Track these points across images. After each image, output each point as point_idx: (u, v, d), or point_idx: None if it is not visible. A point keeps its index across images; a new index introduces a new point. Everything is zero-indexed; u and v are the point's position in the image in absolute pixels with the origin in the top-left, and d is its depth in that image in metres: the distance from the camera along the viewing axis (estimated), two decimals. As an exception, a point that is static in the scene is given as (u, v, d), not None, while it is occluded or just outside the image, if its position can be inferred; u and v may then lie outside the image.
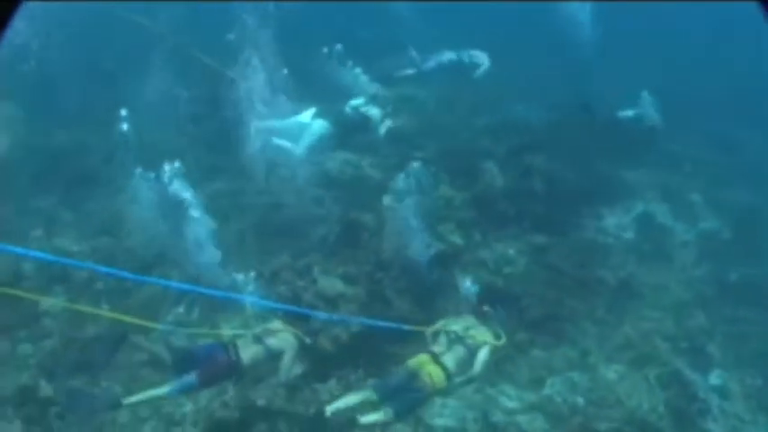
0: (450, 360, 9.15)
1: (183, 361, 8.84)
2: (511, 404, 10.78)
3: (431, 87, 17.92)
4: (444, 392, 9.47)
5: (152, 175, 11.27)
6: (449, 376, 9.08)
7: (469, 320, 9.68)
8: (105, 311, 9.29)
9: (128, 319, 8.74)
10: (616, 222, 14.81)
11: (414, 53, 16.53)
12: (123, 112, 11.37)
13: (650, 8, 23.14)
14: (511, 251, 13.31)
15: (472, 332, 9.42)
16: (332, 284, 11.35)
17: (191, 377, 8.63)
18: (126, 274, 9.58)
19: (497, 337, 9.50)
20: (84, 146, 15.10)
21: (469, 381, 9.45)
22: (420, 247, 12.03)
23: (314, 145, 12.70)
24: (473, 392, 10.73)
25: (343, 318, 10.65)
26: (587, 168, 15.82)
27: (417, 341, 10.81)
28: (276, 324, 9.47)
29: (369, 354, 10.83)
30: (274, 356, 9.19)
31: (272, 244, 12.97)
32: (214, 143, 15.22)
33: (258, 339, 9.19)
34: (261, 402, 9.61)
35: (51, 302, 11.14)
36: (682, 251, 14.39)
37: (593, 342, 12.08)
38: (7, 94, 15.61)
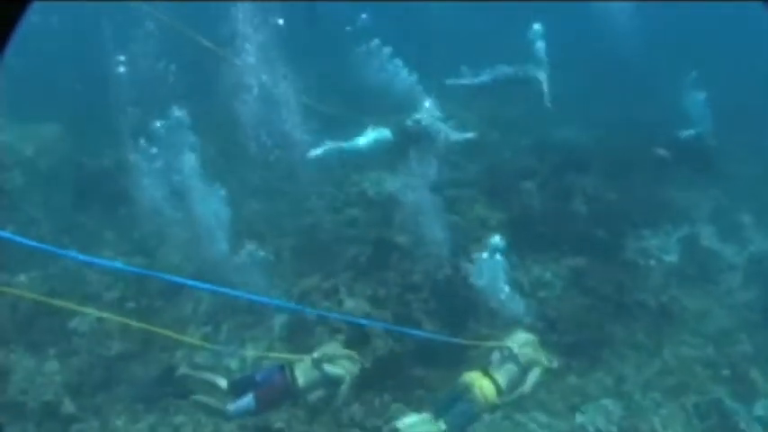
0: (502, 377, 9.05)
1: (241, 384, 8.78)
2: (541, 432, 10.49)
3: (475, 104, 17.61)
4: (495, 409, 9.27)
5: (187, 194, 11.38)
6: (500, 393, 8.97)
7: (523, 337, 9.52)
8: (160, 329, 9.29)
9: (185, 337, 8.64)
10: (659, 244, 14.33)
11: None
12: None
13: (690, 8, 22.40)
14: (548, 274, 13.01)
15: (526, 350, 9.28)
16: (359, 306, 11.23)
17: (248, 400, 8.54)
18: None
19: (549, 359, 9.40)
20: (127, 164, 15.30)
21: (519, 399, 9.33)
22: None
23: (372, 146, 12.63)
24: (502, 419, 10.48)
25: (396, 327, 10.54)
26: (633, 189, 15.41)
27: (448, 364, 10.68)
28: (334, 347, 9.29)
29: (394, 377, 10.65)
30: (331, 383, 8.95)
31: (306, 264, 12.91)
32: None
33: (316, 364, 8.94)
34: (279, 425, 9.50)
35: (91, 315, 11.18)
36: (728, 275, 13.88)
37: (631, 368, 11.71)
38: (53, 114, 15.99)
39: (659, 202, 15.43)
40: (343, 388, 8.92)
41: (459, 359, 10.75)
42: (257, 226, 13.78)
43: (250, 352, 10.80)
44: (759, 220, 15.40)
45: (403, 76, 13.36)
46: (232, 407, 8.56)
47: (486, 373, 9.06)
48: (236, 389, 8.69)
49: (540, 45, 15.28)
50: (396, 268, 12.20)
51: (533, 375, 9.16)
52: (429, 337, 10.35)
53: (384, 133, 12.77)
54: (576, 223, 14.03)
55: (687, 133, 15.15)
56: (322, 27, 15.67)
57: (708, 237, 14.73)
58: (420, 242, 12.46)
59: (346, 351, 9.22)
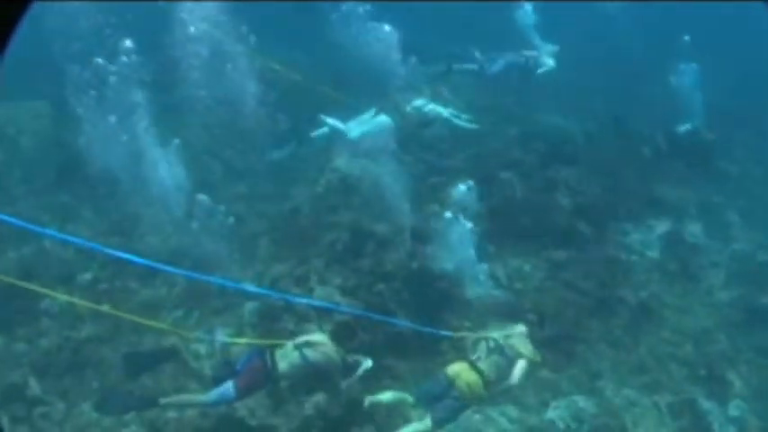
0: (488, 369, 8.91)
1: (222, 370, 8.64)
2: (511, 427, 10.36)
3: (472, 91, 17.32)
4: (481, 401, 9.16)
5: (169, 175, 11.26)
6: (487, 385, 8.86)
7: (509, 329, 9.40)
8: (143, 320, 9.22)
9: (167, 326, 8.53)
10: (642, 239, 14.16)
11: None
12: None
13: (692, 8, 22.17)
14: (526, 266, 12.86)
15: (512, 342, 9.15)
16: (328, 294, 11.06)
17: (228, 387, 8.40)
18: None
19: (535, 352, 9.23)
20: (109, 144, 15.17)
21: (506, 391, 9.24)
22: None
23: (370, 132, 12.52)
24: (472, 412, 10.32)
25: (368, 314, 10.36)
26: (621, 183, 15.26)
27: (418, 355, 10.54)
28: (318, 336, 9.13)
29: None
30: (313, 370, 8.81)
31: (282, 250, 12.77)
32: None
33: (298, 349, 8.80)
34: (241, 413, 9.35)
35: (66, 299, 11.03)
36: (710, 272, 13.71)
37: (606, 365, 11.60)
38: (38, 92, 15.80)
39: (647, 198, 15.29)
40: (363, 369, 8.97)
41: (430, 350, 10.67)
42: (238, 209, 13.61)
43: (232, 339, 10.62)
44: (747, 218, 15.24)
45: (402, 60, 13.24)
46: (207, 396, 8.45)
47: (473, 366, 8.92)
48: (218, 381, 8.53)
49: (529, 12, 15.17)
50: (371, 257, 12.02)
51: (520, 368, 8.99)
52: (417, 329, 10.16)
53: (383, 119, 12.64)
54: (558, 216, 13.88)
55: (683, 128, 14.96)
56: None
57: (693, 233, 14.56)
58: (398, 231, 12.31)
59: (328, 341, 9.04)
